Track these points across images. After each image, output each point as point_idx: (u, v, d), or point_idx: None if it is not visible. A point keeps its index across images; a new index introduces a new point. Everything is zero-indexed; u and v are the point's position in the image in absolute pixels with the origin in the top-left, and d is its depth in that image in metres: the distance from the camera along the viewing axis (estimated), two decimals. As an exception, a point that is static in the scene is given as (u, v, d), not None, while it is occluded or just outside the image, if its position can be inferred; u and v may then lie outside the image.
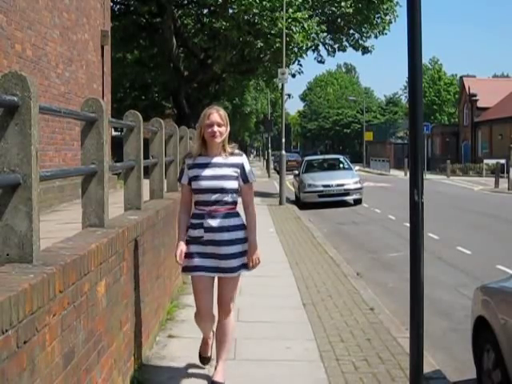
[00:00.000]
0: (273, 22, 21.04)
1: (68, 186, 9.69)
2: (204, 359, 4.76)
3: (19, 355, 2.21)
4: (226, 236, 4.17)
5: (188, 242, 4.23)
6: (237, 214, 4.26)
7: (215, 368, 4.45)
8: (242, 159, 4.28)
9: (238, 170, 4.23)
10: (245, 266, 4.28)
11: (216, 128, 4.13)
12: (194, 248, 4.21)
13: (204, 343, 4.74)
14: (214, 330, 4.57)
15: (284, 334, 5.64)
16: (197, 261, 4.20)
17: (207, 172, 4.18)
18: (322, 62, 28.20)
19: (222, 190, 4.16)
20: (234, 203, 4.24)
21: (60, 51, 10.07)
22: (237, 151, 4.29)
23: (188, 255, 4.22)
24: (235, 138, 50.58)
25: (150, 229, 5.09)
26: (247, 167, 4.29)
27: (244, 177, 4.26)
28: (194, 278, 4.27)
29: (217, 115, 4.16)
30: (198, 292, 4.29)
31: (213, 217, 4.16)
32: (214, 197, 4.16)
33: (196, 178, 4.20)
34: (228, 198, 4.18)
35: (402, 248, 10.40)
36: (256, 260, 4.28)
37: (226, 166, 4.20)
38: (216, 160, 4.21)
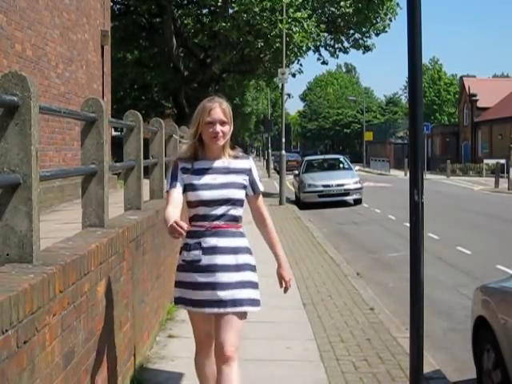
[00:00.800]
0: (273, 23, 21.03)
1: (68, 185, 9.69)
2: None
3: (19, 355, 2.21)
4: (230, 259, 3.31)
5: (180, 268, 3.40)
6: (243, 234, 3.43)
7: None
8: (250, 163, 3.49)
9: (247, 177, 3.44)
10: (254, 303, 3.38)
11: (219, 128, 3.30)
12: (188, 276, 3.33)
13: None
14: None
15: (284, 334, 5.64)
16: (194, 293, 3.32)
17: (208, 179, 3.35)
18: (325, 63, 28.18)
19: (228, 202, 3.34)
20: (240, 219, 3.44)
21: (60, 51, 10.07)
22: (241, 154, 3.51)
23: (180, 284, 3.40)
24: (235, 138, 50.59)
25: (150, 229, 5.09)
26: (256, 173, 3.52)
27: (254, 185, 3.47)
28: (191, 313, 3.46)
29: (220, 111, 3.33)
30: (197, 326, 3.48)
31: (214, 234, 3.31)
32: (217, 210, 3.33)
33: (193, 186, 3.35)
34: (234, 211, 3.37)
35: (402, 248, 10.40)
36: (290, 281, 3.53)
37: (231, 172, 3.38)
38: (218, 164, 3.39)
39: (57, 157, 9.79)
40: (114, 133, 18.14)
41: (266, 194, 22.90)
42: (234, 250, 3.33)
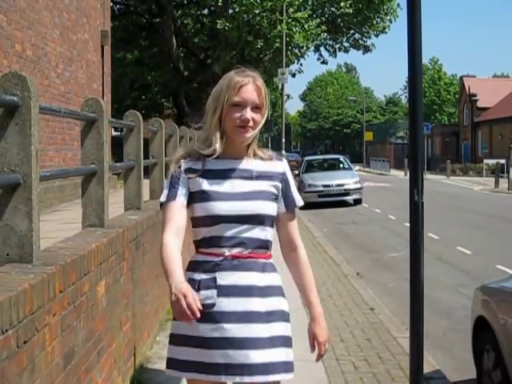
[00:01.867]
0: (272, 23, 21.06)
1: (68, 186, 9.68)
2: None
3: (19, 355, 2.21)
4: (258, 305, 2.31)
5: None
6: (274, 267, 2.44)
7: None
8: (284, 167, 2.46)
9: (280, 185, 2.42)
10: (288, 367, 2.35)
11: (249, 113, 2.30)
12: (196, 329, 2.28)
13: None
14: None
15: (284, 334, 5.63)
16: (199, 353, 2.30)
17: (229, 186, 2.34)
18: (325, 62, 28.22)
19: (255, 219, 2.33)
20: (270, 245, 2.42)
21: (60, 51, 10.07)
22: (271, 153, 2.49)
23: (179, 339, 2.36)
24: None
25: (150, 229, 5.09)
26: (292, 181, 2.50)
27: (287, 198, 2.44)
28: (193, 383, 2.40)
29: (253, 89, 2.33)
30: None
31: (235, 267, 2.32)
32: (240, 231, 2.32)
33: (205, 195, 2.33)
34: (262, 233, 2.36)
35: (402, 248, 10.40)
36: (325, 344, 2.46)
37: (260, 178, 2.38)
38: (244, 165, 2.39)
39: (57, 157, 9.79)
40: (113, 133, 18.14)
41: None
42: (263, 292, 2.33)
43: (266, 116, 2.37)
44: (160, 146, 6.54)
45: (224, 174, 2.35)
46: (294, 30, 21.58)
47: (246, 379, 2.27)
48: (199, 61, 26.81)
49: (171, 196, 2.36)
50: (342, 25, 26.35)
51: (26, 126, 2.64)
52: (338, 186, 19.87)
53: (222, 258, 2.31)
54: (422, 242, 3.62)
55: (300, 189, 20.71)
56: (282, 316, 2.38)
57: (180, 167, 2.38)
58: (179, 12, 26.91)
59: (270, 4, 20.82)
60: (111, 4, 16.53)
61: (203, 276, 2.32)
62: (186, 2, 27.44)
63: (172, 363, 2.38)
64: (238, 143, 2.37)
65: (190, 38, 26.81)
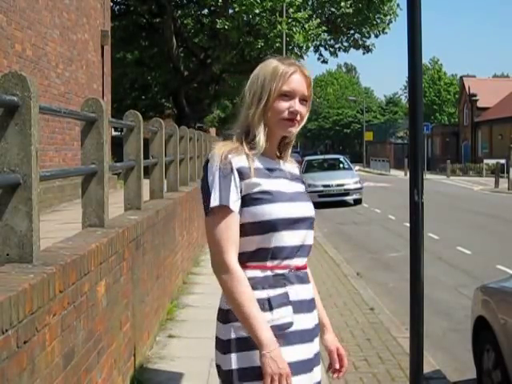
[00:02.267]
0: (272, 23, 21.06)
1: (68, 186, 9.69)
2: None
3: (19, 355, 2.21)
4: (314, 319, 2.14)
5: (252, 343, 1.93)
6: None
7: None
8: (298, 169, 2.30)
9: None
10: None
11: (298, 105, 2.06)
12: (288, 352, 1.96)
13: None
14: None
15: (284, 334, 5.63)
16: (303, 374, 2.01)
17: (283, 186, 2.08)
18: (325, 61, 28.23)
19: (310, 222, 2.15)
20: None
21: (60, 51, 10.07)
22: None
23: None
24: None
25: (150, 229, 5.09)
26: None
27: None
28: None
29: (302, 79, 2.08)
30: None
31: (301, 280, 2.09)
32: (300, 236, 2.08)
33: (266, 196, 2.01)
34: (311, 240, 2.16)
35: (402, 248, 10.40)
36: (345, 360, 2.28)
37: (294, 180, 2.17)
38: (280, 165, 2.15)
39: (57, 157, 9.79)
40: (113, 133, 18.15)
41: (266, 194, 22.90)
42: (313, 305, 2.14)
43: (309, 110, 2.13)
44: (160, 146, 6.54)
45: (272, 174, 2.06)
46: (294, 29, 21.58)
47: None
48: (199, 61, 26.81)
49: (224, 200, 1.95)
50: (341, 25, 26.35)
51: (26, 126, 2.64)
52: (338, 186, 19.88)
53: (287, 270, 2.02)
54: (422, 241, 3.61)
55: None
56: (319, 330, 2.18)
57: (231, 164, 1.98)
58: (179, 12, 26.91)
59: (269, 4, 20.83)
60: (111, 4, 16.53)
61: (273, 292, 1.98)
62: (185, 1, 27.44)
63: None
64: (279, 138, 2.11)
65: (189, 38, 26.81)
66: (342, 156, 25.40)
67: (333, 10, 25.46)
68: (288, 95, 2.04)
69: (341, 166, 22.56)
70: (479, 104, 49.51)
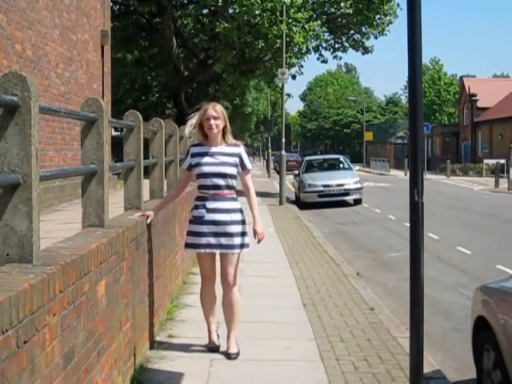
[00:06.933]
0: (273, 24, 21.04)
1: (68, 186, 9.69)
2: (212, 349, 5.06)
3: (19, 355, 2.21)
4: (226, 217, 4.72)
5: (191, 222, 4.82)
6: (235, 199, 4.81)
7: (227, 340, 4.94)
8: (240, 149, 4.88)
9: (237, 159, 4.81)
10: (244, 246, 4.82)
11: (212, 121, 4.75)
12: (197, 227, 4.76)
13: (209, 334, 5.11)
14: (216, 322, 5.17)
15: (284, 334, 5.63)
16: (200, 239, 4.75)
17: (208, 159, 4.78)
18: (325, 61, 28.20)
19: (222, 175, 4.73)
20: (233, 188, 4.81)
21: (60, 51, 10.07)
22: (234, 142, 4.89)
23: (192, 233, 4.80)
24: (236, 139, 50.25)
25: (150, 229, 5.09)
26: (245, 156, 4.87)
27: (242, 164, 4.84)
28: (199, 254, 4.88)
29: (212, 110, 4.77)
30: (203, 264, 4.92)
31: (215, 199, 4.74)
32: (215, 181, 4.72)
33: (198, 164, 4.79)
34: (227, 182, 4.74)
35: (402, 248, 10.40)
36: (262, 234, 4.81)
37: (225, 155, 4.79)
38: (216, 149, 4.81)
39: (57, 157, 9.79)
40: (114, 133, 18.15)
41: (266, 194, 22.88)
42: (228, 211, 4.74)
43: (224, 122, 4.87)
44: (160, 146, 6.54)
45: (207, 153, 4.85)
46: (295, 30, 21.55)
47: (223, 251, 4.82)
48: (199, 61, 26.77)
49: (184, 165, 5.02)
50: (341, 25, 26.29)
51: (26, 126, 2.64)
52: (338, 185, 19.86)
53: (208, 194, 4.78)
54: (422, 242, 3.62)
55: (300, 189, 20.74)
56: (239, 222, 4.78)
57: (189, 150, 5.05)
58: (179, 12, 26.88)
59: (270, 5, 20.80)
60: (111, 4, 16.53)
61: (200, 203, 4.81)
62: (186, 2, 27.41)
63: (188, 245, 4.89)
64: (213, 137, 4.86)
65: (190, 38, 26.76)
66: (342, 156, 25.38)
67: (333, 9, 25.41)
68: (207, 118, 4.80)
69: (341, 166, 22.54)
70: (479, 104, 49.52)
